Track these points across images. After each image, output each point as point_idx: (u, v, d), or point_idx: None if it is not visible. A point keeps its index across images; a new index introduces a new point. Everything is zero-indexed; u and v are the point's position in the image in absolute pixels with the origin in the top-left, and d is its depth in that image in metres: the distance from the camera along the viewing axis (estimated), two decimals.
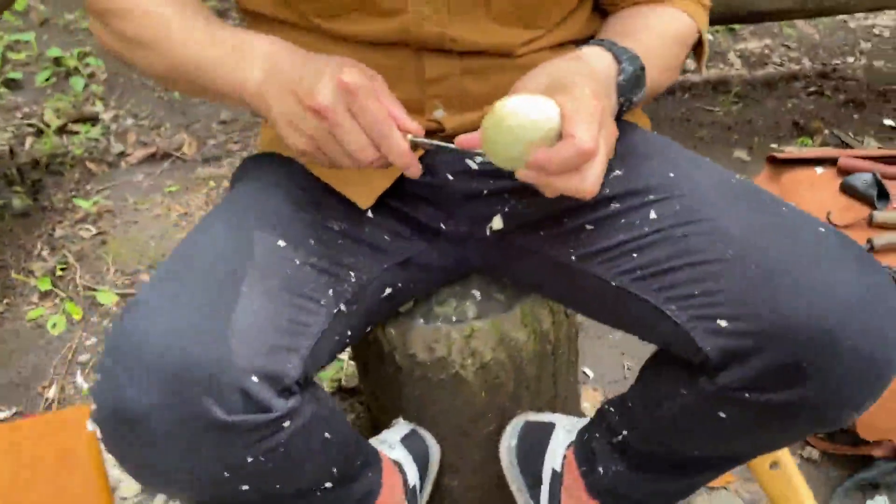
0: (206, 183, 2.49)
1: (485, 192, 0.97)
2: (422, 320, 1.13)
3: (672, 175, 0.86)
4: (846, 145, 2.58)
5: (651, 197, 0.85)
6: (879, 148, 2.57)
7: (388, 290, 0.96)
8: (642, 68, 0.85)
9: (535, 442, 1.22)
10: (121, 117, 2.83)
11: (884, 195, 1.60)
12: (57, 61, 3.03)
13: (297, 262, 0.82)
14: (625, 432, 1.00)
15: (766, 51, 3.17)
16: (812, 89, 2.89)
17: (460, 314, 1.13)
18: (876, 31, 3.41)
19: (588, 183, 0.70)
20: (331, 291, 0.84)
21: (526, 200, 0.95)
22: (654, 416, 0.91)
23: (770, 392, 0.74)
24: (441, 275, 1.07)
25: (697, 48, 1.02)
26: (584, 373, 1.76)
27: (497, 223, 0.97)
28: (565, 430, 1.21)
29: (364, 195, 0.92)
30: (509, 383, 1.22)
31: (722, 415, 0.80)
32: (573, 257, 0.90)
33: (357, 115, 0.73)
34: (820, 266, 0.71)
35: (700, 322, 0.76)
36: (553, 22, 0.94)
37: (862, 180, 1.62)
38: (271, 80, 0.77)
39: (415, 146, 0.77)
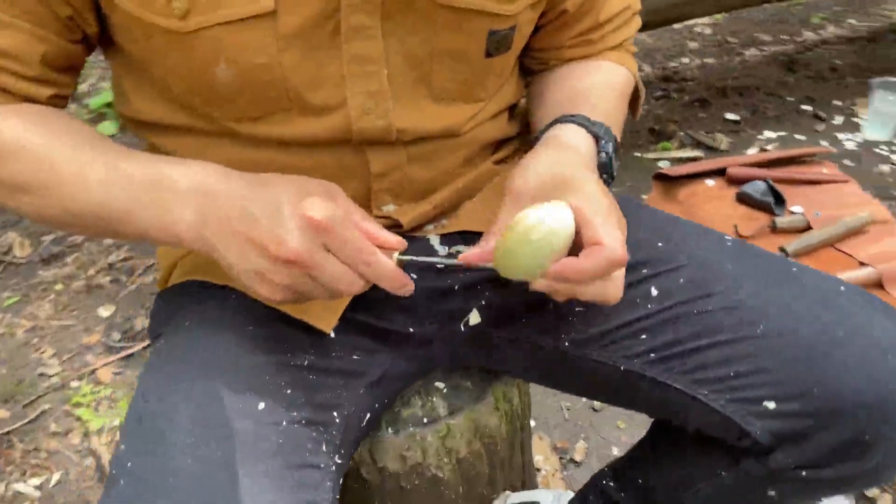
0: (51, 288, 2.16)
1: (456, 286, 0.87)
2: (390, 430, 1.01)
3: (661, 245, 0.80)
4: (702, 144, 2.70)
5: (646, 272, 0.79)
6: (731, 143, 2.71)
7: (368, 416, 0.84)
8: (617, 141, 0.79)
9: None
10: None
11: (780, 201, 1.66)
12: None
13: (284, 424, 0.69)
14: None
15: None
16: (658, 93, 3.02)
17: (430, 413, 1.03)
18: (697, 30, 3.63)
19: (615, 288, 0.65)
20: (324, 447, 0.71)
21: (501, 290, 0.86)
22: (683, 498, 0.85)
23: (829, 467, 0.70)
24: (410, 381, 0.96)
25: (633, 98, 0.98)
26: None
27: (475, 318, 0.88)
28: None
29: (325, 317, 0.80)
30: (485, 470, 1.12)
31: (771, 493, 0.76)
32: (566, 343, 0.83)
33: (336, 252, 0.64)
34: (862, 332, 0.68)
35: (742, 405, 0.71)
36: (491, 93, 0.87)
37: (756, 189, 1.66)
38: (211, 221, 0.65)
39: (401, 264, 0.67)
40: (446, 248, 0.88)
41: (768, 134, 2.73)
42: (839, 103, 2.90)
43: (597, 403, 1.70)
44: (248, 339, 0.75)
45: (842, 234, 1.52)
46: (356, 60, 0.75)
